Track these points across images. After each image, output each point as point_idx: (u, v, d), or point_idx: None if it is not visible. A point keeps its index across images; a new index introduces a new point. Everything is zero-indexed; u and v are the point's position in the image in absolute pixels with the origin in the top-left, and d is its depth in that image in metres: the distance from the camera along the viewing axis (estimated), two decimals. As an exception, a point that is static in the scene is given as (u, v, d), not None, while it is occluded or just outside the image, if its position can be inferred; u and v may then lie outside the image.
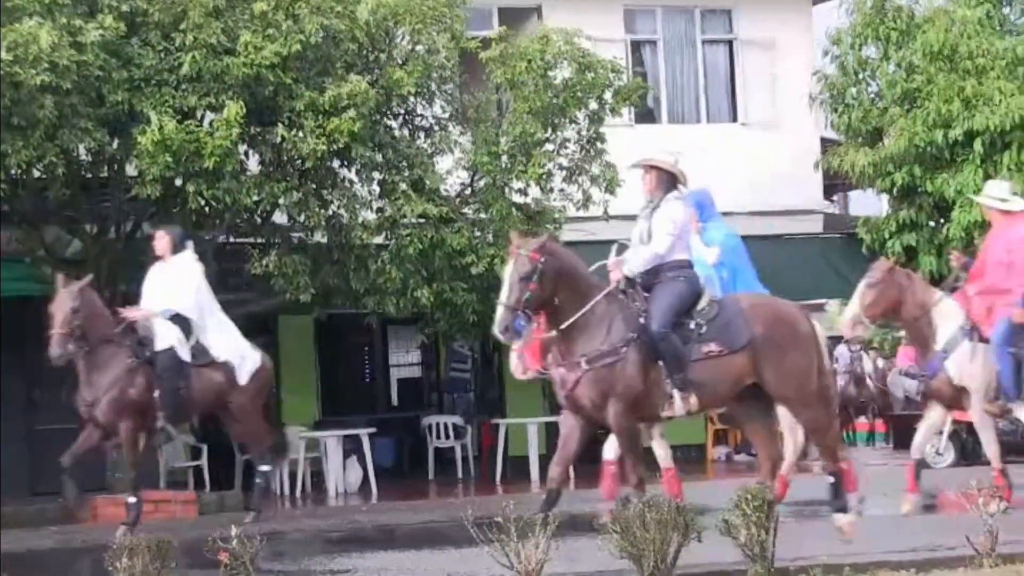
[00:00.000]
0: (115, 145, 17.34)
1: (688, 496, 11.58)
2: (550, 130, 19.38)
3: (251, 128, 17.36)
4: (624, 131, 20.41)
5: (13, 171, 16.85)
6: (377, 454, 20.99)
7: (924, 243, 22.31)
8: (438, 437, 22.45)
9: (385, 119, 18.75)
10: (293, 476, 20.26)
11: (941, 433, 20.03)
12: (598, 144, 19.65)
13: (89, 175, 17.90)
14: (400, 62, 18.53)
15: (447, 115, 19.44)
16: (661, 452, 13.79)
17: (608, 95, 19.70)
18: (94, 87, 16.63)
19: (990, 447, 13.66)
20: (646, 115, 24.11)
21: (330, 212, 18.35)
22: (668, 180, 11.64)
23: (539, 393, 21.32)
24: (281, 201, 17.76)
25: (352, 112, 17.23)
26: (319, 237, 18.57)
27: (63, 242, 18.65)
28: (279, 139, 17.36)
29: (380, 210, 18.64)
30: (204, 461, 20.15)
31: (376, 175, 18.54)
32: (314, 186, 18.18)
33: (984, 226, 16.55)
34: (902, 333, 16.92)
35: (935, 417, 13.92)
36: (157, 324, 14.66)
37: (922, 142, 21.87)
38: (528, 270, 11.08)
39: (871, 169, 22.63)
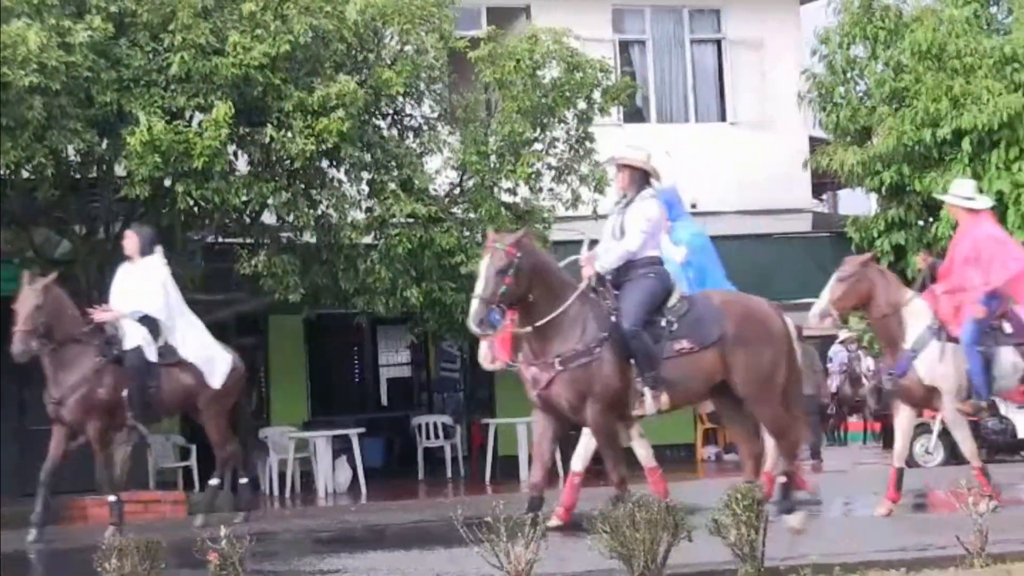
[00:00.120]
0: (104, 146, 17.29)
1: (677, 495, 11.55)
2: (539, 130, 19.38)
3: (240, 128, 17.33)
4: (613, 131, 20.35)
5: (1, 172, 16.80)
6: (367, 454, 20.97)
7: (913, 242, 22.33)
8: (428, 437, 22.45)
9: (374, 119, 18.74)
10: (283, 476, 20.25)
11: (931, 432, 20.16)
12: (587, 144, 19.64)
13: (78, 176, 17.86)
14: (389, 62, 18.51)
15: (436, 115, 19.43)
16: (642, 452, 13.77)
17: (597, 95, 19.70)
18: (83, 88, 16.59)
19: (965, 444, 13.60)
20: (635, 115, 24.13)
21: (319, 212, 18.33)
22: (641, 177, 11.65)
23: (528, 392, 21.29)
24: (270, 201, 17.74)
25: (341, 112, 17.21)
26: (308, 237, 18.54)
27: (52, 243, 18.60)
28: (268, 139, 17.34)
29: (369, 210, 18.64)
30: (193, 461, 20.05)
31: (365, 175, 18.52)
32: (303, 186, 18.16)
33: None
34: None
35: (905, 421, 13.78)
36: (125, 324, 14.51)
37: (910, 141, 21.91)
38: (504, 264, 11.10)
39: (860, 168, 22.67)
